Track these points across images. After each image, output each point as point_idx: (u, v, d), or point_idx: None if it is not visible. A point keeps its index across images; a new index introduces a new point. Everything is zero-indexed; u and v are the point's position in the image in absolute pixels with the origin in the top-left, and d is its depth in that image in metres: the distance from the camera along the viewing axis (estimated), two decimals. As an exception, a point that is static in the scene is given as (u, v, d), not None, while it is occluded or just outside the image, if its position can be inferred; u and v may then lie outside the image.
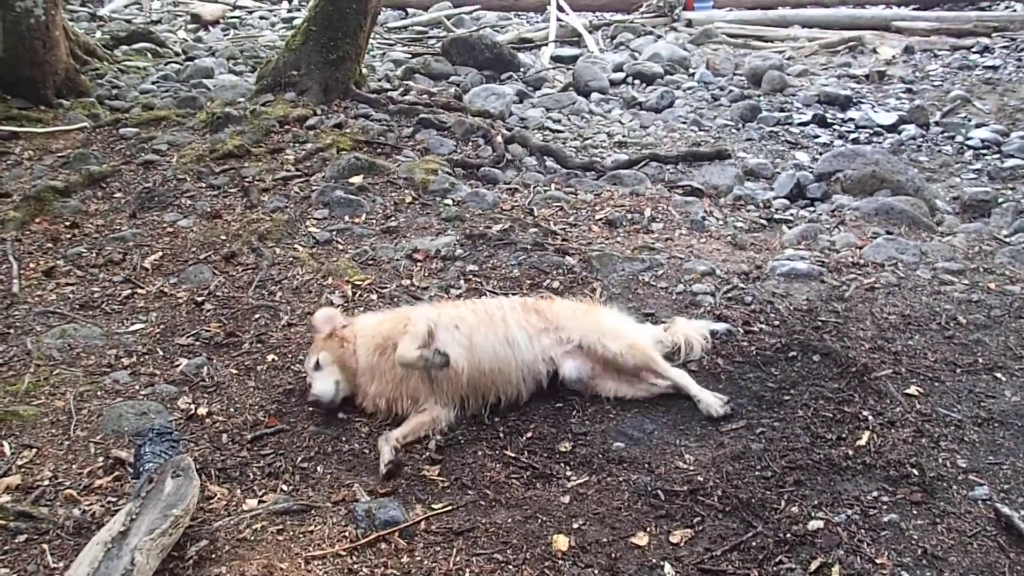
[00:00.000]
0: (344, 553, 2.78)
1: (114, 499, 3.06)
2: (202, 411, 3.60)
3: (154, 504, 2.66)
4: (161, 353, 4.08)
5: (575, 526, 2.95)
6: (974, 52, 11.81)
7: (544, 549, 2.83)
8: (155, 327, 4.32)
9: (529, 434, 3.46)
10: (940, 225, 5.92)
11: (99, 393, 3.72)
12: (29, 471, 3.20)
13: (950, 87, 10.02)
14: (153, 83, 9.23)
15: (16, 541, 2.83)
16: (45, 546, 2.81)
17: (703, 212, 5.88)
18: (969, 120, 8.70)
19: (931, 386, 3.73)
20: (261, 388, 3.78)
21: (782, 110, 9.24)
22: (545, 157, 7.08)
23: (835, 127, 8.68)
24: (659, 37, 13.42)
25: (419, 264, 4.89)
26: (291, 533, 2.87)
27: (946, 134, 8.33)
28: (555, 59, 12.13)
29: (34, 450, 3.32)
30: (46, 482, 3.15)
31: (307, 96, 7.67)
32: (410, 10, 16.25)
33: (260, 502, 3.06)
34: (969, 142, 8.00)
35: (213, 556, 2.74)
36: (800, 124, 8.69)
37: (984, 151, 7.79)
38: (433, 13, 15.36)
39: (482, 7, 16.00)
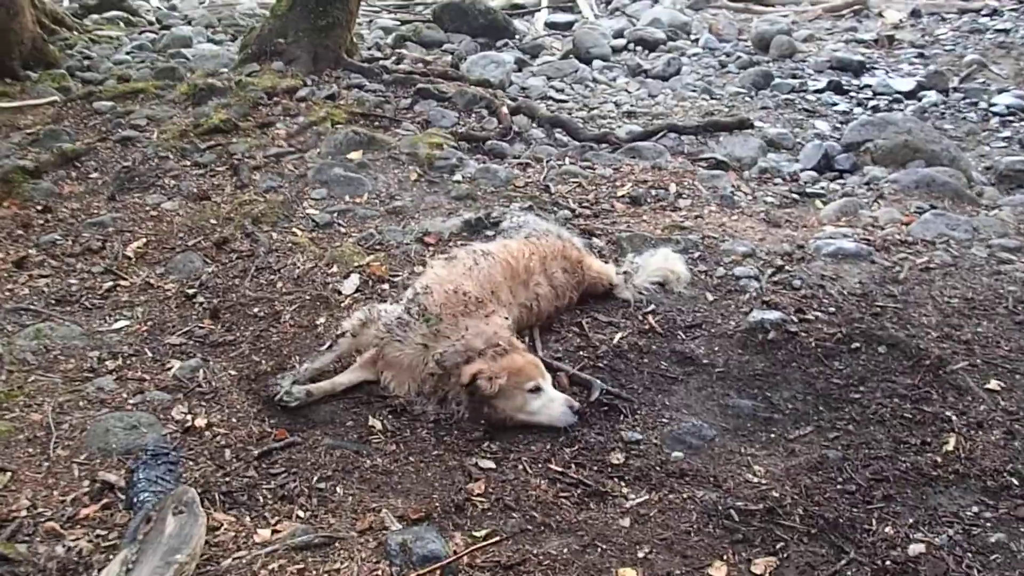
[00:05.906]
0: (379, 597, 2.38)
1: (103, 532, 2.63)
2: (200, 422, 3.17)
3: (154, 549, 2.24)
4: (150, 354, 3.64)
5: (641, 555, 2.57)
6: (983, 15, 11.42)
7: (610, 585, 2.45)
8: (142, 324, 3.87)
9: (576, 444, 3.07)
10: (981, 197, 5.55)
11: (81, 403, 3.28)
12: (3, 500, 2.76)
13: (963, 51, 9.66)
14: (127, 53, 8.68)
15: (-11, 589, 2.41)
16: (24, 594, 2.39)
17: (731, 187, 5.48)
18: (988, 85, 8.36)
19: (1013, 379, 3.38)
20: (266, 394, 3.35)
21: (795, 76, 8.83)
22: (554, 129, 6.64)
23: (852, 94, 8.28)
24: (656, 2, 12.92)
25: (431, 248, 4.45)
26: (314, 573, 2.46)
27: (968, 100, 7.97)
28: (549, 25, 11.66)
29: (8, 474, 2.88)
30: (23, 513, 2.70)
31: (295, 65, 7.16)
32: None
33: (274, 532, 2.65)
34: (994, 108, 7.64)
35: (224, 604, 2.34)
36: (816, 91, 8.29)
37: (1011, 118, 7.43)
38: (420, -22, 14.72)
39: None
